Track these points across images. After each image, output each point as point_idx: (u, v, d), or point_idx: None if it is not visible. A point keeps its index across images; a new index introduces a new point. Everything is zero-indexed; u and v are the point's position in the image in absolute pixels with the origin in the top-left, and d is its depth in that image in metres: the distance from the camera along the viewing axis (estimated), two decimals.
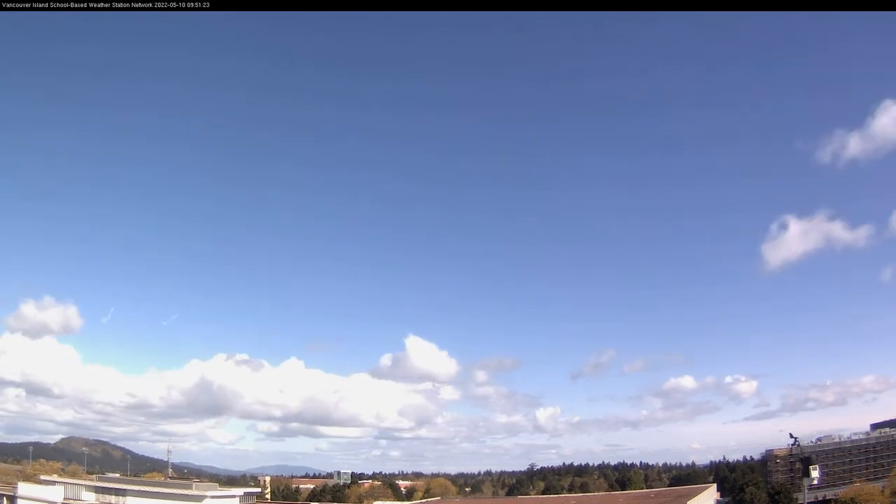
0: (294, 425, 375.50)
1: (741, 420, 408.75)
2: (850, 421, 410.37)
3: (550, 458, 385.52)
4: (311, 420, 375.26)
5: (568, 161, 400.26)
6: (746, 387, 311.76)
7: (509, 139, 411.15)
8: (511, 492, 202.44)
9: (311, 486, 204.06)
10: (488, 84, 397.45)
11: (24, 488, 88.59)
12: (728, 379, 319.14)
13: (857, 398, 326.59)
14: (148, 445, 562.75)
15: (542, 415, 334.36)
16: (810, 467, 63.85)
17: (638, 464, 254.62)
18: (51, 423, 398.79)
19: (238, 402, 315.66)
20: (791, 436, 68.30)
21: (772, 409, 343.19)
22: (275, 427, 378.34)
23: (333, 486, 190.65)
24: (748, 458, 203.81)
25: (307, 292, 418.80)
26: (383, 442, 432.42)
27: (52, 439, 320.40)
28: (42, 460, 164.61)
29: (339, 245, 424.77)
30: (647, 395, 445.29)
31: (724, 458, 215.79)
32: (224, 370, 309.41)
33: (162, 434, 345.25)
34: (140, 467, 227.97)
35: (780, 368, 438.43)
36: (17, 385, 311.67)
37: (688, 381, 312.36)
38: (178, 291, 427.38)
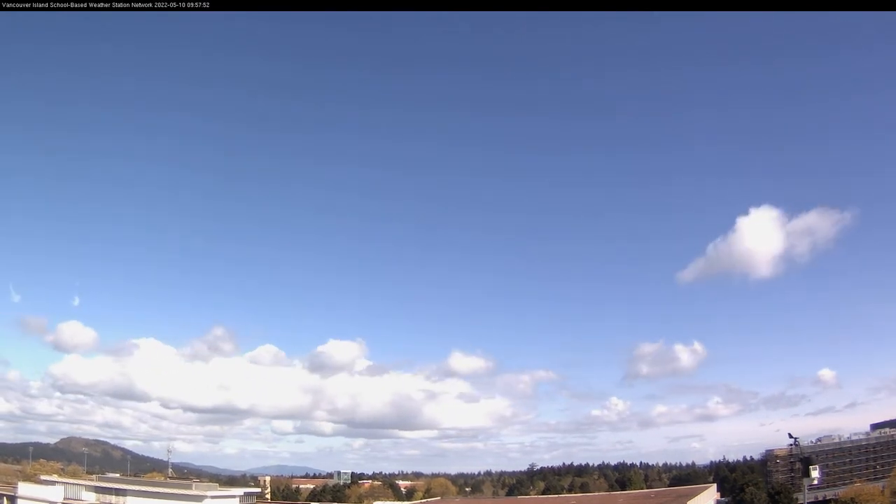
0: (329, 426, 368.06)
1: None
2: (850, 421, 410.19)
3: (551, 458, 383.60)
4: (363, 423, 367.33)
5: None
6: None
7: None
8: (511, 492, 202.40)
9: (312, 486, 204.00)
10: (488, 83, 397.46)
11: (24, 488, 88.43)
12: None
13: None
14: (148, 446, 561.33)
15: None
16: (810, 467, 63.49)
17: (638, 464, 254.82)
18: (50, 422, 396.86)
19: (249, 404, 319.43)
20: (790, 436, 67.77)
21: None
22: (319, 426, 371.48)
23: (334, 486, 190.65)
24: (748, 458, 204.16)
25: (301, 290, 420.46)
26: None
27: (52, 439, 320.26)
28: (42, 460, 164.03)
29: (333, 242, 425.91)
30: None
31: (724, 458, 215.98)
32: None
33: (166, 434, 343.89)
34: (140, 467, 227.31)
35: None
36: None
37: None
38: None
